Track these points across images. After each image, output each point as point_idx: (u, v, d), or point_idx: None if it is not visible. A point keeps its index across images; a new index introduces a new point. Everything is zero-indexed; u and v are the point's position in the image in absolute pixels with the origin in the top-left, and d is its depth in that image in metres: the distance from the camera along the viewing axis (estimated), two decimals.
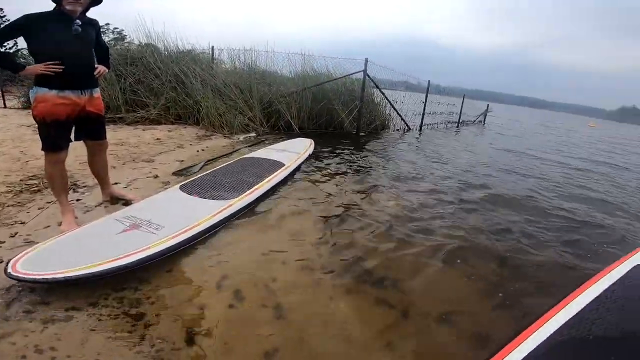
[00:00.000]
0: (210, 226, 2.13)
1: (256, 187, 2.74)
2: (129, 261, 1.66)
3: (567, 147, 9.71)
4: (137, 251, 1.73)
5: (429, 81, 8.72)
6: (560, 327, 1.36)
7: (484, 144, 8.17)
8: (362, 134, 6.66)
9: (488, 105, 13.44)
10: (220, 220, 2.22)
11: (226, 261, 1.91)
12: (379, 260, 2.09)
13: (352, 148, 5.29)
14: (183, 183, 2.72)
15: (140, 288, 1.62)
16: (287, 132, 6.02)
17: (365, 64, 6.28)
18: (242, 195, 2.54)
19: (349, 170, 3.98)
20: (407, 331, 1.55)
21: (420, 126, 8.81)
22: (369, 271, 1.97)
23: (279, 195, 2.92)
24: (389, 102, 7.45)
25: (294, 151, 3.97)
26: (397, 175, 4.02)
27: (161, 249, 1.80)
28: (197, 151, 4.17)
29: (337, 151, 4.91)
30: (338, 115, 6.51)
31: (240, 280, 1.75)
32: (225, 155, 4.09)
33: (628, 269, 1.83)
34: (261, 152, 3.89)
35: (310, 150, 4.26)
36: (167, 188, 2.81)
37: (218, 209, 2.29)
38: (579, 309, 1.46)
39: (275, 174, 3.11)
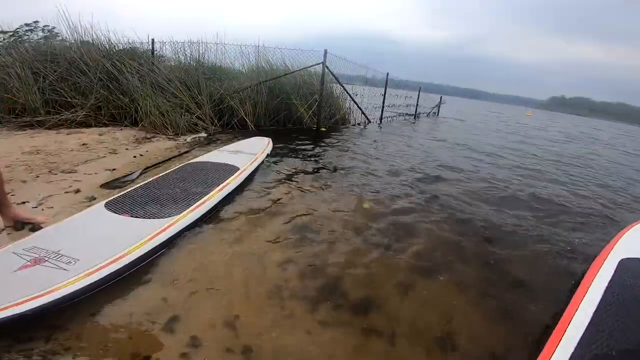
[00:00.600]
0: (144, 254, 1.65)
1: (205, 198, 2.27)
2: (28, 308, 1.21)
3: (528, 137, 10.20)
4: (39, 294, 1.26)
5: (387, 74, 8.63)
6: (579, 346, 1.17)
7: (444, 138, 8.26)
8: (323, 129, 6.33)
9: (441, 97, 13.84)
10: (159, 245, 1.74)
11: (172, 296, 1.47)
12: (356, 280, 1.76)
13: (312, 145, 4.93)
14: (110, 199, 2.17)
15: (54, 337, 1.19)
16: (242, 131, 5.50)
17: (325, 56, 5.93)
18: (187, 210, 2.06)
19: (310, 172, 3.61)
20: None
21: (380, 119, 8.70)
22: (347, 294, 1.63)
23: (232, 206, 2.47)
24: (349, 95, 7.20)
25: (249, 152, 3.52)
26: (363, 177, 3.72)
27: (73, 290, 1.33)
28: (134, 157, 3.55)
29: (298, 149, 4.53)
30: (297, 110, 6.11)
31: (193, 320, 1.34)
32: (169, 159, 3.52)
33: (616, 265, 1.73)
34: (211, 155, 3.38)
35: (268, 150, 3.84)
36: (90, 206, 2.25)
37: (155, 230, 1.80)
38: (588, 321, 1.29)
39: (228, 180, 2.64)
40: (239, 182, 2.75)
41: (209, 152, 3.67)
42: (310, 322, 1.41)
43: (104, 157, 3.45)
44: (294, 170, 3.52)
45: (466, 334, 1.45)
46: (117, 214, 1.96)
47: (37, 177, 2.75)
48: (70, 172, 2.88)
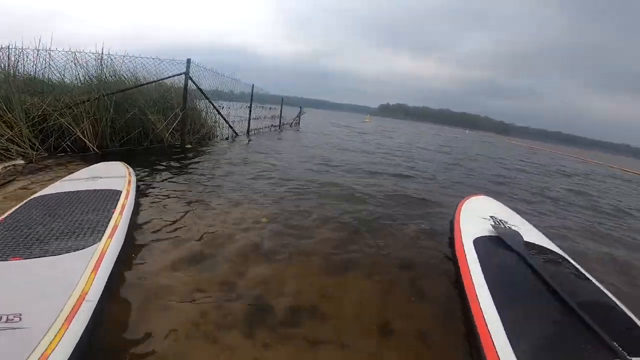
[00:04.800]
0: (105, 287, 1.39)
1: (112, 224, 1.86)
2: None
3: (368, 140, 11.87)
4: None
5: (252, 85, 8.55)
6: (496, 307, 1.47)
7: (315, 146, 8.80)
8: (189, 145, 5.72)
9: (301, 108, 14.77)
10: (110, 275, 1.48)
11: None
12: (282, 294, 1.71)
13: (182, 165, 4.36)
14: None
15: None
16: (80, 154, 4.37)
17: (188, 66, 5.33)
18: (105, 236, 1.71)
19: (192, 193, 3.18)
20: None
21: (248, 132, 8.55)
22: (278, 309, 1.58)
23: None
24: (216, 108, 6.72)
25: (114, 176, 2.81)
26: (246, 191, 3.53)
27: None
28: None
29: (166, 171, 3.91)
30: (155, 126, 5.30)
31: None
32: None
33: (473, 246, 2.06)
34: (64, 185, 2.53)
35: (133, 173, 3.14)
36: None
37: (89, 260, 1.47)
38: (494, 309, 1.47)
39: (121, 204, 2.15)
40: (131, 208, 2.26)
41: (53, 183, 2.70)
42: (251, 348, 1.33)
43: None
44: (170, 194, 3.02)
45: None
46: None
47: None
48: None
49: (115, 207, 2.09)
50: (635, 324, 1.44)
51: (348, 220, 2.86)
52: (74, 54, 4.98)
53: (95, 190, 2.42)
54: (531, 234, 2.40)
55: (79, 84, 5.02)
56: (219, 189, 3.40)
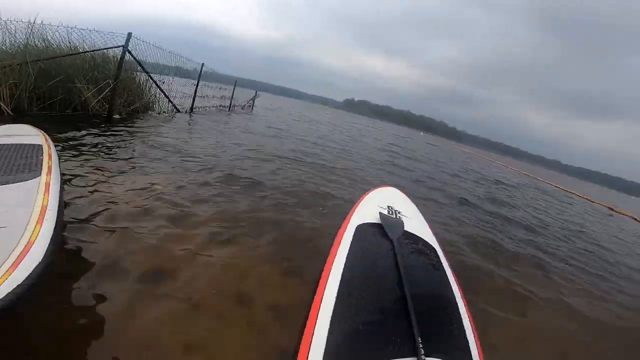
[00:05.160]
0: (59, 205, 1.52)
1: (46, 165, 1.91)
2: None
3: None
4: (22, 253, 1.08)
5: (202, 64, 8.41)
6: (339, 289, 1.48)
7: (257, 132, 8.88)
8: (117, 116, 5.61)
9: (256, 92, 14.63)
10: (60, 198, 1.61)
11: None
12: (149, 257, 1.85)
13: (104, 134, 4.29)
14: None
15: None
16: None
17: (128, 40, 5.28)
18: (44, 173, 1.78)
19: (106, 164, 3.24)
20: (205, 324, 1.47)
21: (191, 109, 8.44)
22: (137, 269, 1.71)
23: None
24: (154, 81, 6.60)
25: (28, 134, 2.75)
26: (157, 161, 3.63)
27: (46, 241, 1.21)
28: None
29: (85, 138, 3.88)
30: (81, 93, 5.16)
31: None
32: None
33: (354, 230, 2.08)
34: None
35: (46, 135, 3.08)
36: None
37: (37, 185, 1.60)
38: (336, 290, 1.50)
39: (47, 153, 2.16)
40: (57, 159, 2.20)
41: None
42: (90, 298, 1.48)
43: None
44: (74, 159, 3.10)
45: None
46: None
47: None
48: None
49: (43, 155, 2.13)
50: (455, 325, 1.46)
51: (245, 202, 2.99)
52: (5, 23, 4.89)
53: (13, 144, 2.39)
54: (416, 225, 2.37)
55: (4, 49, 4.88)
56: (123, 155, 3.50)
